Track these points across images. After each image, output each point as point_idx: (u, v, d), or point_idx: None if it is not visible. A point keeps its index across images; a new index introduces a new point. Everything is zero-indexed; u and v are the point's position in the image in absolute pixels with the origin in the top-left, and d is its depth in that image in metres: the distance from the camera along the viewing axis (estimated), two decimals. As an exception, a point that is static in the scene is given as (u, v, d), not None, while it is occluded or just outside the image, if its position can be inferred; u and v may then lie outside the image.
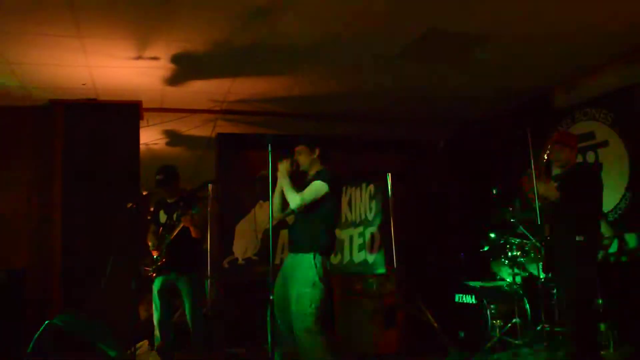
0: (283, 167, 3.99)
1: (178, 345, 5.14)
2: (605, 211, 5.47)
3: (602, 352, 4.19)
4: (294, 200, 3.90)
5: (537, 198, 4.89)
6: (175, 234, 4.79)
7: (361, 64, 5.47)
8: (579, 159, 5.90)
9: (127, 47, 4.84)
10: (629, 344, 4.83)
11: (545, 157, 4.11)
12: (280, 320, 3.94)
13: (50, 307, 5.38)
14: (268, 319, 3.78)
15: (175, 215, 4.89)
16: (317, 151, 4.07)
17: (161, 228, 4.99)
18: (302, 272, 3.82)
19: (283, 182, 3.98)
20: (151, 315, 5.22)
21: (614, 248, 5.39)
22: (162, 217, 5.04)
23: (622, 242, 5.41)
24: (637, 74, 5.38)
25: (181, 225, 4.75)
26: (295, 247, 4.01)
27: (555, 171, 4.23)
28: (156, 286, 4.89)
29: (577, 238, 3.81)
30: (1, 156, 6.09)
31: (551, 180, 4.01)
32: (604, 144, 5.78)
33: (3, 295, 5.13)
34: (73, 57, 4.99)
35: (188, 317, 4.88)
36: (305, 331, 3.73)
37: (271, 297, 3.73)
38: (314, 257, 3.81)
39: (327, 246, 3.92)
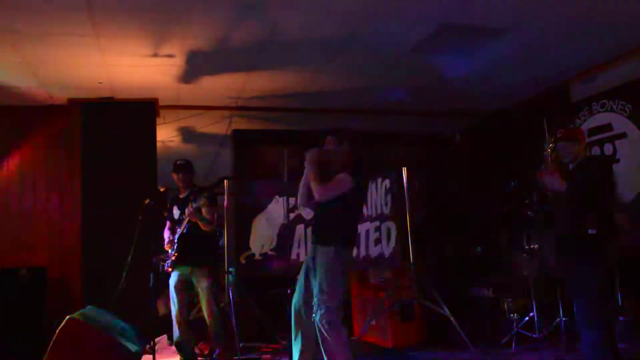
0: (311, 157, 4.00)
1: (196, 340, 5.20)
2: (626, 202, 5.42)
3: (621, 346, 4.15)
4: (319, 191, 3.90)
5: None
6: (183, 228, 4.84)
7: (378, 58, 5.46)
8: (597, 151, 5.87)
9: (142, 45, 4.89)
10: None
11: (549, 151, 4.08)
12: (301, 311, 3.97)
13: (71, 303, 5.46)
14: (286, 313, 3.82)
15: (186, 210, 4.95)
16: (345, 144, 4.07)
17: (174, 223, 5.06)
18: (324, 265, 3.85)
19: (310, 173, 4.00)
20: (169, 310, 5.29)
21: (633, 241, 5.34)
22: (176, 213, 5.11)
23: (642, 234, 5.34)
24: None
25: (187, 220, 4.80)
26: (317, 239, 4.03)
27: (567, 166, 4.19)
28: (172, 281, 4.95)
29: (590, 232, 3.77)
30: (21, 155, 6.19)
31: (557, 173, 3.96)
32: (622, 135, 5.72)
33: (26, 292, 5.22)
34: (90, 56, 5.04)
35: (205, 312, 4.93)
36: (327, 323, 3.77)
37: (288, 292, 3.76)
38: (335, 249, 3.83)
39: (348, 238, 3.93)
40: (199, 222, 4.83)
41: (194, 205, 4.73)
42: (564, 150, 4.01)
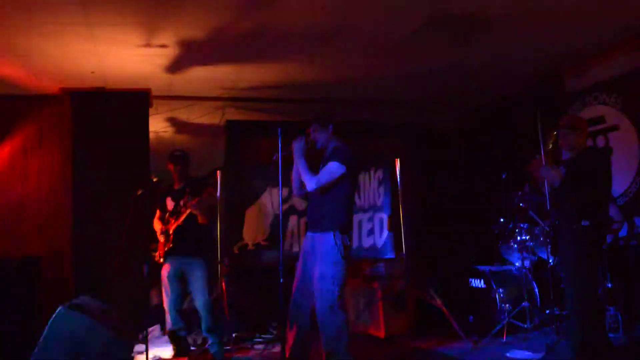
0: (298, 146, 4.00)
1: (188, 330, 5.21)
2: (616, 195, 5.46)
3: (610, 335, 4.19)
4: (310, 182, 3.93)
5: (546, 182, 4.88)
6: (182, 219, 4.83)
7: (370, 49, 5.45)
8: (589, 143, 5.90)
9: (135, 34, 4.85)
10: (638, 327, 4.85)
11: (551, 144, 4.08)
12: (299, 299, 3.98)
13: (63, 292, 5.45)
14: (278, 303, 3.82)
15: (182, 202, 4.94)
16: (330, 126, 4.08)
17: (167, 214, 5.05)
18: (324, 251, 3.87)
19: (299, 164, 4.00)
20: (162, 301, 5.29)
21: (623, 232, 5.38)
22: (169, 204, 5.09)
23: (632, 226, 5.39)
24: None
25: (188, 211, 4.79)
26: (315, 226, 4.04)
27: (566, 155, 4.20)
28: (166, 271, 4.95)
29: (583, 223, 3.79)
30: (12, 145, 6.14)
31: (555, 165, 3.97)
32: (614, 128, 5.75)
33: (18, 281, 5.20)
34: (81, 44, 5.00)
35: (198, 302, 4.93)
36: (329, 309, 3.78)
37: (281, 282, 3.77)
38: (334, 236, 3.85)
39: (345, 224, 3.95)
40: (199, 215, 4.82)
41: (198, 197, 4.72)
42: (565, 138, 3.99)
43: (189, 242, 4.88)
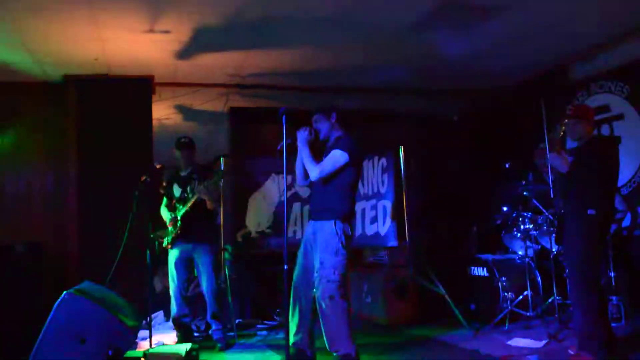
0: (302, 136, 4.00)
1: (193, 316, 5.23)
2: (619, 185, 5.45)
3: (613, 325, 4.20)
4: (314, 171, 3.93)
5: (550, 171, 4.88)
6: (190, 205, 4.84)
7: (377, 36, 5.41)
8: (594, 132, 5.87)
9: (138, 19, 4.83)
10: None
11: (562, 133, 4.05)
12: (300, 288, 4.00)
13: (68, 278, 5.48)
14: (281, 290, 3.83)
15: (189, 188, 4.94)
16: (334, 116, 4.07)
17: (174, 201, 5.05)
18: (325, 240, 3.88)
19: (303, 153, 4.01)
20: (166, 287, 5.31)
21: (627, 222, 5.38)
22: (176, 190, 5.10)
23: (635, 216, 5.38)
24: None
25: (196, 197, 4.80)
26: (317, 214, 4.05)
27: (572, 145, 4.18)
28: (172, 258, 4.96)
29: (589, 212, 3.78)
30: (16, 132, 6.15)
31: (563, 151, 3.95)
32: (619, 117, 5.72)
33: (23, 266, 5.22)
34: (85, 30, 4.98)
35: (204, 288, 4.95)
36: (329, 298, 3.80)
37: (285, 269, 3.78)
38: (335, 224, 3.85)
39: (347, 213, 3.95)
40: (207, 200, 4.83)
41: (206, 183, 4.73)
42: (572, 127, 3.98)
43: (197, 228, 4.89)
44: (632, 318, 4.84)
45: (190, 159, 5.10)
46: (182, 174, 5.12)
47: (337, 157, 3.90)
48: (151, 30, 5.04)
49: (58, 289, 4.02)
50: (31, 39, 5.12)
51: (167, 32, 5.09)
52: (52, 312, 3.84)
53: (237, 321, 5.43)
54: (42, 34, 5.03)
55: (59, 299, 3.87)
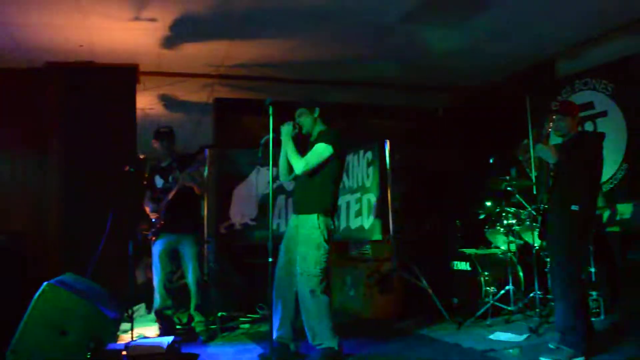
0: (286, 131, 3.98)
1: (176, 308, 5.20)
2: (601, 182, 5.50)
3: (593, 319, 4.25)
4: (298, 164, 3.92)
5: (534, 166, 4.91)
6: (172, 195, 4.80)
7: (363, 29, 5.40)
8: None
9: (124, 7, 4.76)
10: (619, 311, 4.93)
11: (549, 128, 4.07)
12: (283, 282, 3.99)
13: (49, 269, 5.41)
14: (265, 283, 3.83)
15: (171, 178, 4.90)
16: (317, 111, 4.07)
17: (157, 193, 5.00)
18: (307, 234, 3.87)
19: (287, 147, 3.99)
20: (148, 279, 5.27)
21: (605, 218, 5.44)
22: (158, 181, 5.05)
23: (615, 213, 5.44)
24: (638, 44, 5.34)
25: (178, 186, 4.76)
26: (299, 208, 4.05)
27: (556, 140, 4.20)
28: (157, 249, 4.92)
29: (572, 207, 3.81)
30: (-3, 119, 6.05)
31: (549, 143, 3.97)
32: (603, 114, 5.77)
33: (3, 257, 5.15)
34: (69, 17, 4.90)
35: (190, 279, 4.92)
36: (310, 292, 3.80)
37: (270, 261, 3.77)
38: (317, 218, 3.85)
39: (330, 207, 3.95)
40: (194, 186, 4.80)
41: (189, 170, 4.70)
42: (557, 123, 4.00)
43: (181, 219, 4.86)
44: (611, 313, 4.91)
45: (170, 149, 5.05)
46: (163, 164, 5.07)
47: (321, 151, 3.90)
48: (137, 18, 4.97)
49: (38, 280, 3.97)
50: (15, 24, 5.01)
51: (153, 20, 5.02)
52: (31, 304, 3.79)
53: (219, 314, 5.41)
54: (27, 20, 4.93)
55: (39, 290, 3.82)
